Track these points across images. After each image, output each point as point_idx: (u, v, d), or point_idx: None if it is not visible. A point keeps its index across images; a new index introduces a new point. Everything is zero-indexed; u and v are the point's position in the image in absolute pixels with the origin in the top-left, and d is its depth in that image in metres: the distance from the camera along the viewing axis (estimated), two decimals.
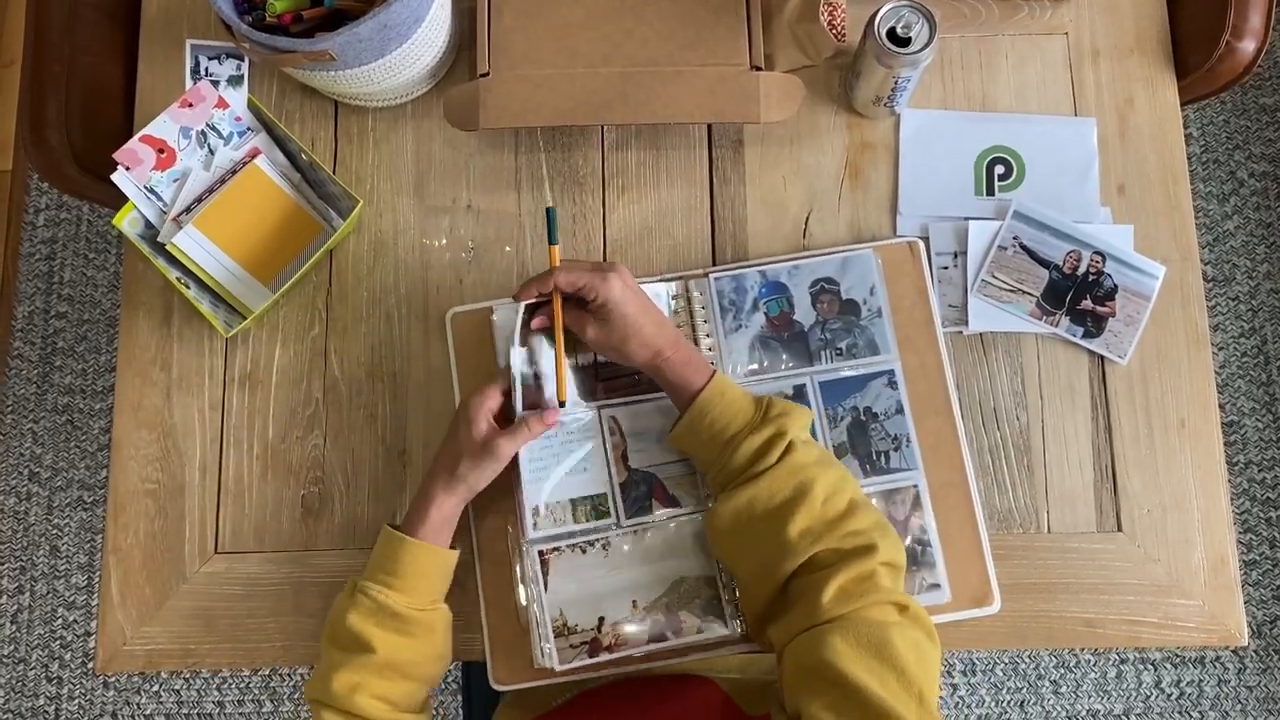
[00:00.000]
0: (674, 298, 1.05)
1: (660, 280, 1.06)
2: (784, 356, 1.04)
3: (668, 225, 1.10)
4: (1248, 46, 1.09)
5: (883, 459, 1.01)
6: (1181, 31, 1.14)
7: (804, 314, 1.05)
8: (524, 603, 0.99)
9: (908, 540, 0.99)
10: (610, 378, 1.02)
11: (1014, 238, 1.06)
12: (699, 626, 0.96)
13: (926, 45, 1.00)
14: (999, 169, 1.10)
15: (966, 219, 1.09)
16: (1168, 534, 1.03)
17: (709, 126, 1.12)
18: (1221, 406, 1.94)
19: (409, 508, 0.96)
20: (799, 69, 1.12)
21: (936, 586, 0.99)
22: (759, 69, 1.05)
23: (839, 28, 1.11)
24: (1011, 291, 1.06)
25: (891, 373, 1.03)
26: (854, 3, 1.13)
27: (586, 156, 1.12)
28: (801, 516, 0.84)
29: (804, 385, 1.03)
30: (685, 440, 0.93)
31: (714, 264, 1.09)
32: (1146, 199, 1.10)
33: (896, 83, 1.03)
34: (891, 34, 1.01)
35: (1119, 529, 1.03)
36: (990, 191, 1.10)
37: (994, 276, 1.06)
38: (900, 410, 1.02)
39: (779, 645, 0.85)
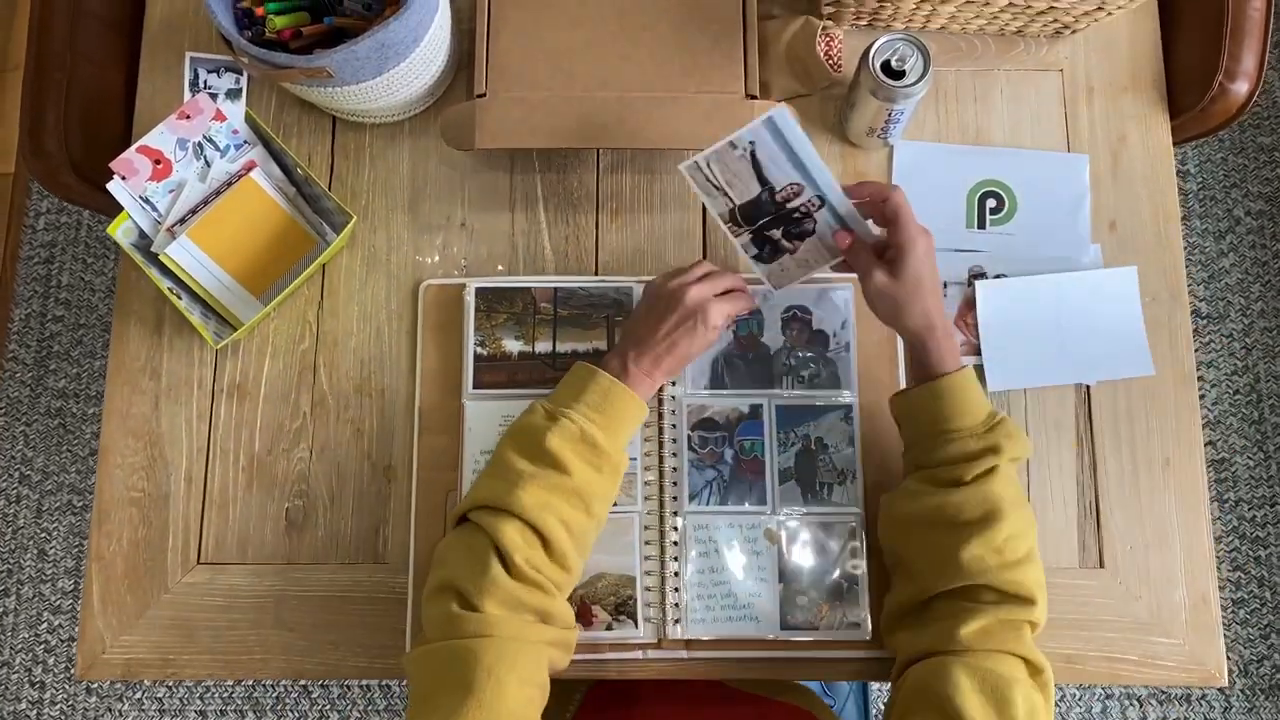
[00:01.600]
0: None
1: (636, 281, 1.07)
2: (746, 376, 1.04)
3: (659, 249, 1.11)
4: (1240, 88, 1.10)
5: (825, 490, 1.02)
6: (1176, 71, 1.14)
7: (772, 338, 1.06)
8: None
9: (836, 574, 0.99)
10: (567, 367, 1.02)
11: (750, 142, 0.96)
12: (609, 623, 0.98)
13: (920, 79, 1.00)
14: (990, 202, 1.11)
15: (957, 251, 1.09)
16: (1150, 572, 1.03)
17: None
18: (1212, 444, 1.94)
19: (607, 362, 0.94)
20: (794, 98, 1.12)
21: (856, 625, 0.99)
22: (754, 97, 1.06)
23: (835, 58, 1.11)
24: (715, 187, 0.98)
25: (849, 408, 1.04)
26: (850, 34, 1.14)
27: (581, 179, 1.13)
28: (978, 544, 0.84)
29: (761, 406, 1.04)
30: (906, 410, 0.94)
31: None
32: (1138, 237, 1.10)
33: (890, 115, 1.04)
34: (886, 66, 1.01)
35: (1101, 565, 1.03)
36: (981, 225, 1.10)
37: (708, 165, 0.97)
38: (851, 445, 1.03)
39: (902, 655, 0.87)
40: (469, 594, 0.81)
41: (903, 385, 1.05)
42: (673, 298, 0.94)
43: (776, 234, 0.98)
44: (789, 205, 0.95)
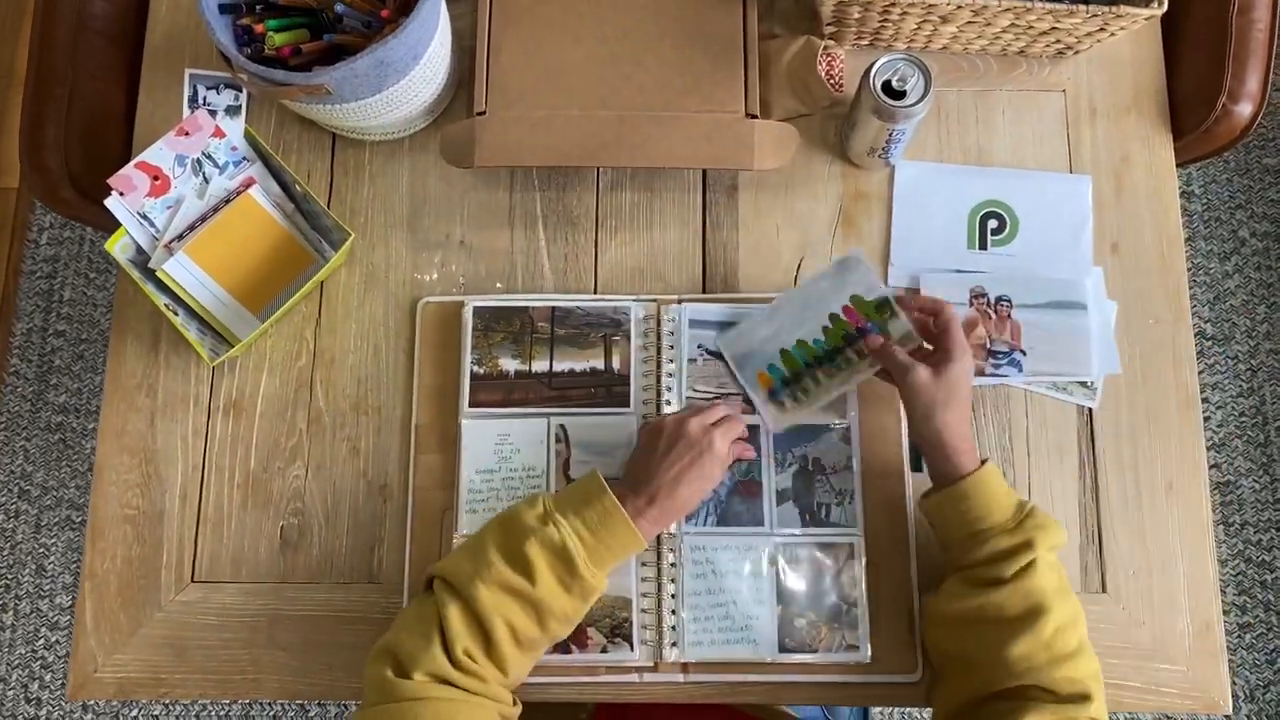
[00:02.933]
0: (644, 319, 1.06)
1: (635, 300, 1.06)
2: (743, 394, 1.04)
3: (659, 268, 1.10)
4: (1244, 110, 1.09)
5: (823, 511, 1.01)
6: (1179, 92, 1.14)
7: None
8: None
9: (835, 596, 0.98)
10: (564, 387, 1.03)
11: (698, 347, 1.04)
12: (604, 645, 0.97)
13: (921, 99, 1.00)
14: (992, 223, 1.10)
15: (958, 271, 1.08)
16: (1153, 597, 1.02)
17: (704, 171, 1.13)
18: (1218, 466, 1.92)
19: (622, 484, 0.91)
20: (795, 117, 1.12)
21: (855, 648, 0.98)
22: (754, 116, 1.05)
23: (836, 78, 1.11)
24: (717, 399, 1.02)
25: (848, 428, 1.03)
26: (852, 54, 1.14)
27: (580, 197, 1.12)
28: (1026, 641, 0.83)
29: (757, 425, 1.03)
30: (936, 514, 0.94)
31: None
32: (1140, 259, 1.10)
33: (891, 135, 1.03)
34: (887, 86, 1.01)
35: (1104, 590, 1.02)
36: (983, 245, 1.10)
37: (695, 390, 1.03)
38: (849, 466, 1.02)
39: None
40: (404, 662, 0.81)
41: (902, 405, 1.03)
42: (675, 433, 0.93)
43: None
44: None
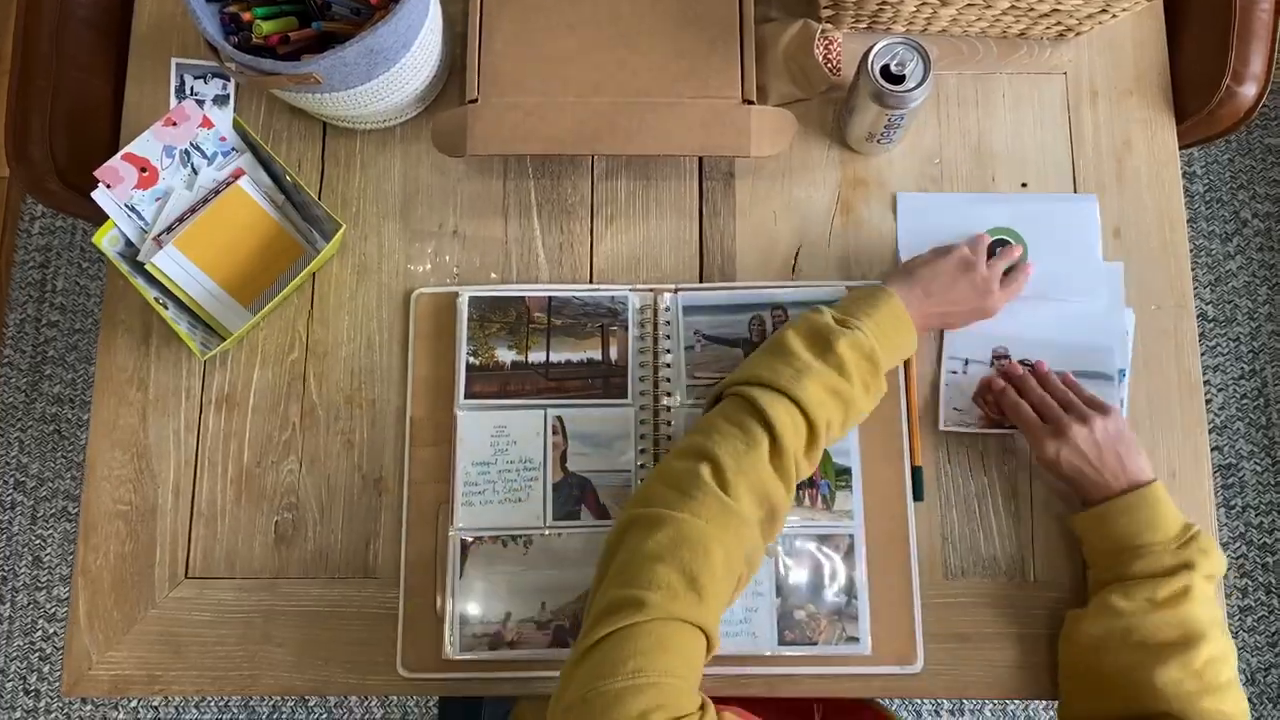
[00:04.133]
0: (640, 309, 1.05)
1: (631, 289, 1.05)
2: None
3: (656, 256, 1.09)
4: (1248, 91, 1.07)
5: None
6: (1181, 74, 1.12)
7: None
8: (440, 592, 0.99)
9: (835, 588, 0.98)
10: (560, 377, 1.02)
11: (694, 333, 1.03)
12: None
13: (921, 83, 0.98)
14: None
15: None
16: None
17: (700, 159, 1.11)
18: (1219, 449, 1.91)
19: (896, 287, 0.95)
20: (792, 102, 1.11)
21: (855, 640, 0.97)
22: (751, 102, 1.04)
23: (834, 62, 1.09)
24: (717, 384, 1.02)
25: None
26: (850, 37, 1.12)
27: (575, 185, 1.11)
28: (1176, 667, 0.82)
29: None
30: (1094, 525, 0.92)
31: None
32: (1142, 243, 1.08)
33: (890, 120, 1.02)
34: (886, 70, 0.99)
35: None
36: None
37: (695, 377, 1.02)
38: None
39: None
40: (726, 470, 0.81)
41: (902, 390, 1.03)
42: (976, 283, 0.97)
43: None
44: None
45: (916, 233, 1.08)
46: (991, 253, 1.02)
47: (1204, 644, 0.83)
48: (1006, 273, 1.02)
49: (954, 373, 1.04)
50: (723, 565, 0.77)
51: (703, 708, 0.71)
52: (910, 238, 1.08)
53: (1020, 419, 0.97)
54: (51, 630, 1.89)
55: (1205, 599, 0.85)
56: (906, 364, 1.03)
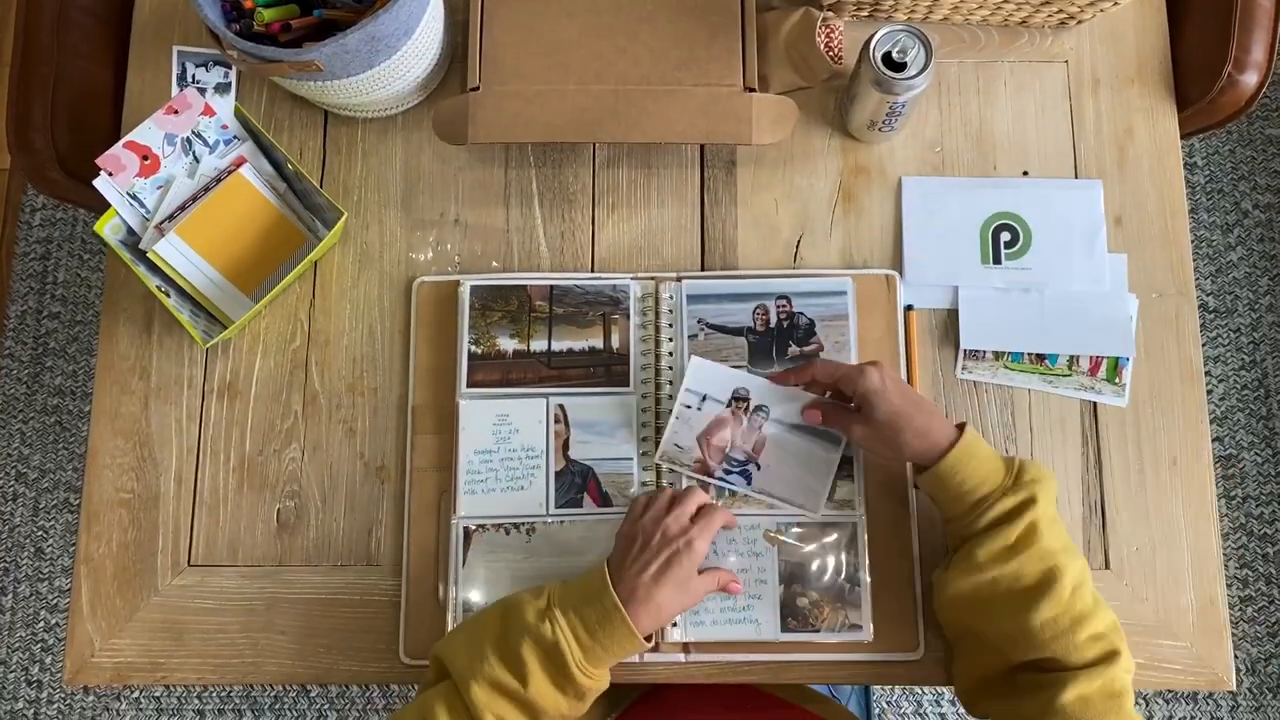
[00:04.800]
0: (642, 298, 1.05)
1: (632, 278, 1.05)
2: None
3: (657, 244, 1.09)
4: (1249, 79, 1.07)
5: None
6: (1183, 63, 1.12)
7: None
8: (442, 580, 0.99)
9: (837, 576, 0.98)
10: (562, 366, 1.03)
11: (698, 321, 1.03)
12: None
13: (922, 71, 0.98)
14: (1005, 235, 1.07)
15: (975, 289, 1.07)
16: (1156, 573, 1.01)
17: (701, 146, 1.11)
18: (1220, 440, 1.91)
19: (621, 580, 0.86)
20: (794, 90, 1.10)
21: (857, 627, 0.97)
22: (752, 90, 1.04)
23: (835, 50, 1.09)
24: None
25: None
26: (851, 25, 1.12)
27: (577, 173, 1.11)
28: (1047, 606, 0.83)
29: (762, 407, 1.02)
30: (933, 491, 0.92)
31: None
32: (1144, 231, 1.08)
33: (892, 108, 1.02)
34: (887, 58, 0.99)
35: (1107, 566, 1.01)
36: (997, 260, 1.07)
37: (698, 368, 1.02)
38: (851, 444, 1.00)
39: None
40: None
41: (904, 378, 1.03)
42: (650, 530, 0.89)
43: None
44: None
45: (921, 217, 1.08)
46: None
47: (1063, 574, 0.83)
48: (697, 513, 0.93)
49: (688, 406, 1.00)
50: None
51: None
52: (915, 221, 1.08)
53: (824, 372, 0.94)
54: (54, 621, 1.90)
55: (1052, 528, 0.86)
56: (909, 353, 1.03)
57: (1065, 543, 0.87)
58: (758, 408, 0.99)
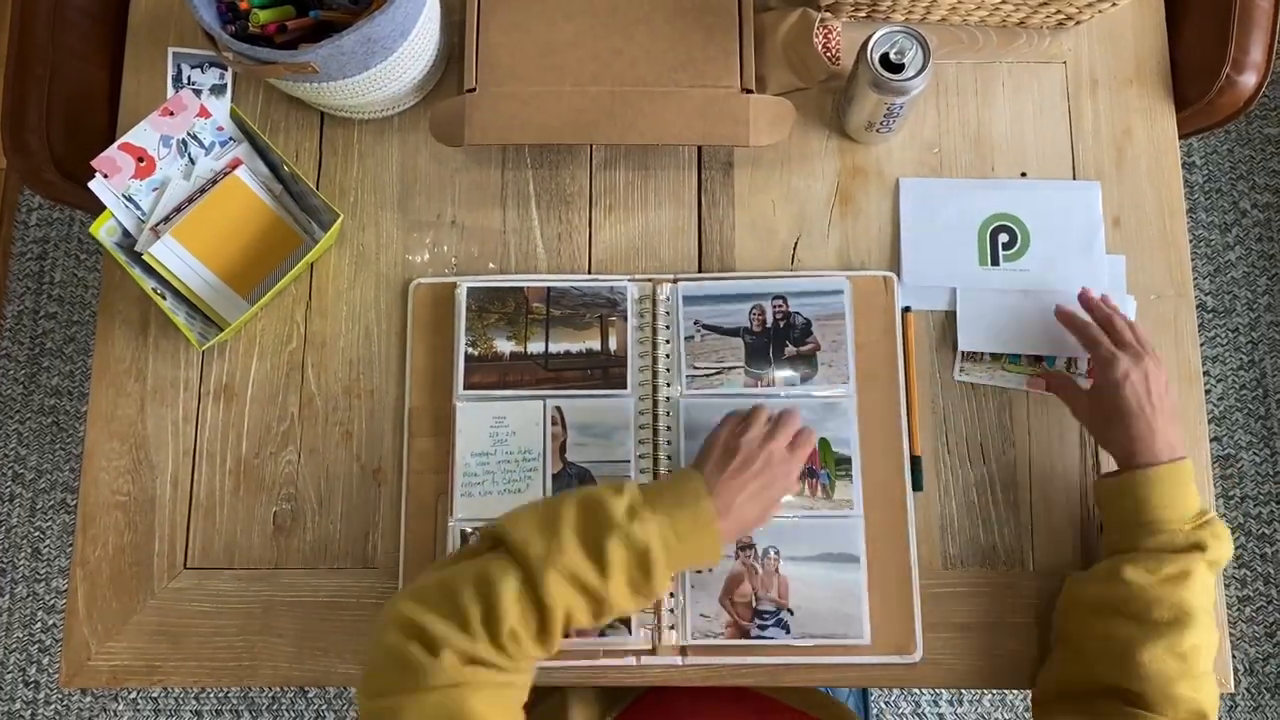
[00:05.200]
0: (639, 300, 1.05)
1: (629, 280, 1.05)
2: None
3: (654, 246, 1.09)
4: (1248, 80, 1.07)
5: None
6: (1181, 63, 1.12)
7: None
8: None
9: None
10: (559, 368, 1.02)
11: (694, 323, 1.03)
12: (602, 629, 0.96)
13: (920, 72, 0.98)
14: (1003, 237, 1.07)
15: (973, 291, 1.06)
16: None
17: (699, 148, 1.11)
18: (1218, 439, 1.91)
19: (717, 493, 0.84)
20: (791, 91, 1.10)
21: (856, 630, 0.97)
22: (750, 91, 1.03)
23: (833, 51, 1.09)
24: (718, 373, 1.02)
25: (848, 407, 1.02)
26: (849, 26, 1.12)
27: (574, 175, 1.11)
28: (1163, 647, 0.83)
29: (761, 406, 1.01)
30: (1113, 493, 0.92)
31: None
32: (1142, 232, 1.08)
33: (890, 109, 1.01)
34: (885, 59, 0.99)
35: None
36: (995, 261, 1.07)
37: (695, 367, 1.02)
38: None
39: None
40: (434, 640, 0.73)
41: (901, 381, 1.03)
42: (751, 454, 0.87)
43: None
44: None
45: (919, 219, 1.08)
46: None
47: (1193, 629, 0.83)
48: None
49: (698, 572, 0.98)
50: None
51: None
52: (912, 223, 1.08)
53: (1087, 336, 0.96)
54: (51, 622, 1.89)
55: (1205, 585, 0.86)
56: (906, 354, 1.03)
57: (1209, 606, 0.86)
58: (765, 550, 0.98)
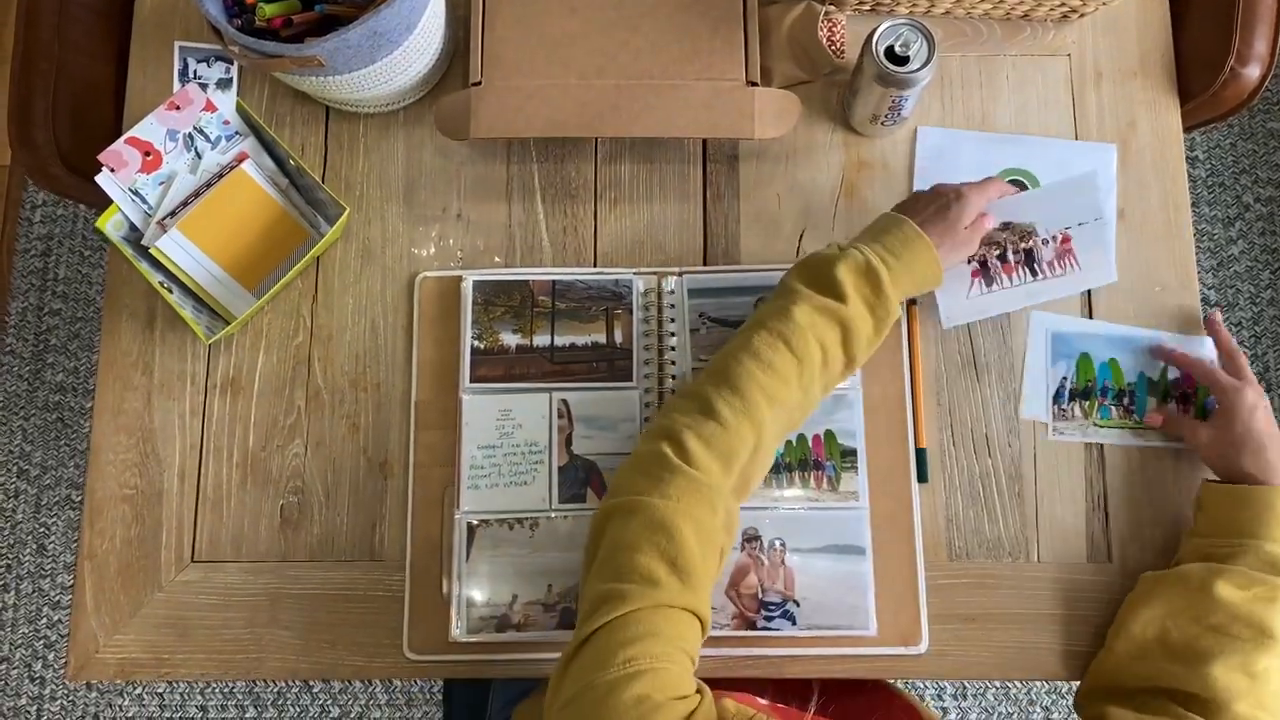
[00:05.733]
0: (645, 293, 1.05)
1: (635, 273, 1.05)
2: None
3: (660, 240, 1.09)
4: (1252, 72, 1.07)
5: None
6: (1185, 56, 1.12)
7: None
8: (446, 575, 0.99)
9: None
10: (565, 361, 1.03)
11: (700, 315, 1.03)
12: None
13: (925, 64, 0.98)
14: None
15: None
16: (1159, 566, 1.01)
17: (704, 141, 1.11)
18: None
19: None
20: (796, 85, 1.10)
21: (861, 621, 0.97)
22: (755, 84, 1.04)
23: (838, 44, 1.09)
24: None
25: (855, 400, 1.02)
26: (853, 19, 1.12)
27: (579, 168, 1.11)
28: (1237, 664, 0.83)
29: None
30: (1219, 501, 0.92)
31: None
32: (1147, 224, 1.08)
33: (894, 101, 1.02)
34: (890, 52, 0.99)
35: (1109, 559, 1.01)
36: None
37: (701, 360, 1.02)
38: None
39: None
40: (688, 444, 0.81)
41: (906, 374, 1.03)
42: (928, 194, 0.96)
43: None
44: None
45: (933, 170, 1.09)
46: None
47: (1272, 649, 0.83)
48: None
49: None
50: (699, 543, 0.78)
51: (699, 691, 0.72)
52: (927, 174, 1.09)
53: (1204, 372, 0.99)
54: (56, 618, 1.90)
55: None
56: (911, 346, 1.03)
57: None
58: (771, 542, 0.99)
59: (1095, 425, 1.03)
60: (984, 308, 1.03)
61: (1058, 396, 1.04)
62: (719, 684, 1.00)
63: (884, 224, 0.92)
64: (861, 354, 0.89)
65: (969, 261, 1.02)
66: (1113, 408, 1.03)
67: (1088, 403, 1.03)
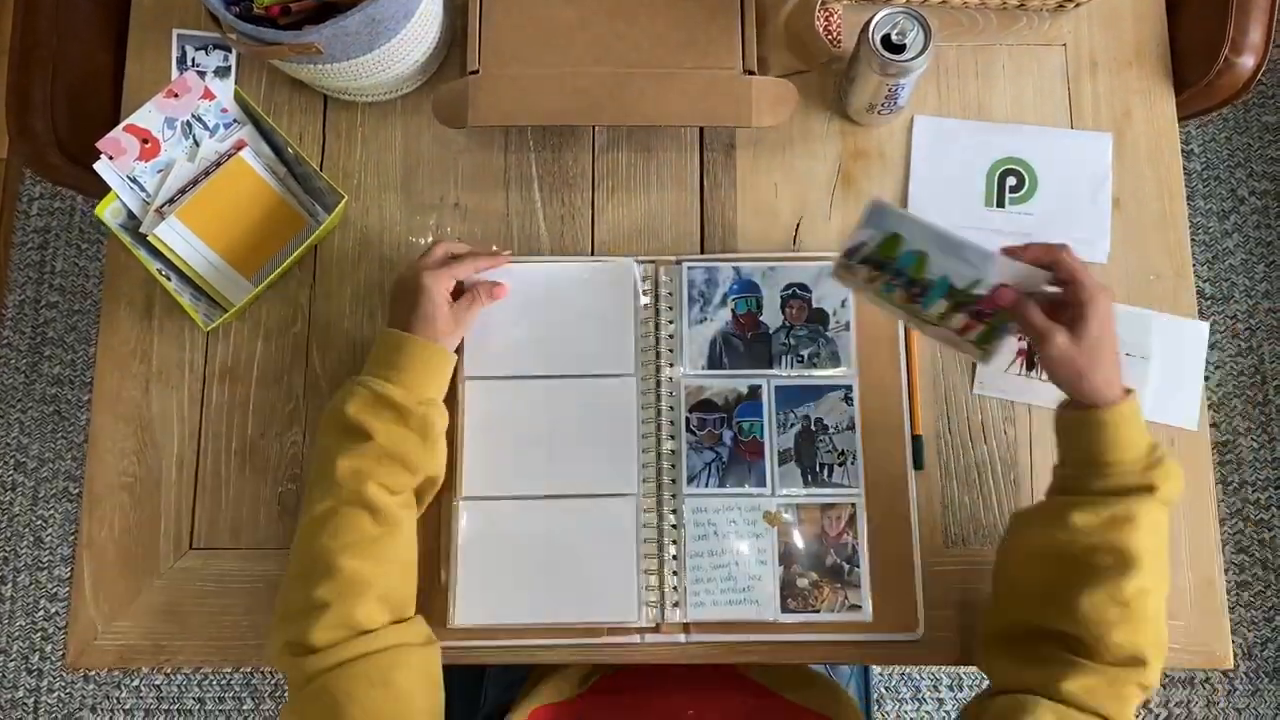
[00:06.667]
0: (643, 280, 1.05)
1: (634, 260, 1.05)
2: (745, 356, 1.03)
3: (657, 228, 1.09)
4: (1247, 62, 1.08)
5: (826, 472, 1.00)
6: (1181, 45, 1.12)
7: (771, 317, 1.04)
8: (443, 563, 0.99)
9: (837, 557, 0.98)
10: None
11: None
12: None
13: (921, 53, 0.99)
14: (1010, 180, 1.08)
15: (974, 230, 1.05)
16: None
17: (700, 130, 1.11)
18: (1217, 426, 1.92)
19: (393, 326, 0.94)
20: (793, 74, 1.11)
21: (857, 607, 0.97)
22: (752, 73, 1.04)
23: (834, 33, 1.10)
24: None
25: (849, 388, 1.02)
26: (850, 8, 1.12)
27: (576, 157, 1.11)
28: (1103, 592, 0.80)
29: (760, 386, 1.02)
30: (1066, 430, 0.88)
31: None
32: (1142, 214, 1.09)
33: (891, 90, 1.02)
34: (886, 41, 0.99)
35: None
36: (1000, 204, 1.08)
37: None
38: (851, 426, 1.01)
39: (997, 682, 0.86)
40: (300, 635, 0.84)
41: (903, 362, 1.03)
42: (408, 282, 0.96)
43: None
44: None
45: (930, 159, 1.09)
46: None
47: (1137, 573, 0.80)
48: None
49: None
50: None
51: None
52: (922, 168, 1.09)
53: (1063, 263, 0.85)
54: (53, 610, 1.90)
55: (1153, 526, 0.83)
56: (907, 334, 1.04)
57: (1158, 548, 0.83)
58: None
59: (876, 294, 0.91)
60: (1018, 390, 1.04)
61: (850, 253, 0.90)
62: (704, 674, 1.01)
63: (376, 346, 0.94)
64: (432, 459, 0.92)
65: (1018, 339, 0.99)
66: (899, 289, 0.90)
67: (876, 272, 0.90)
